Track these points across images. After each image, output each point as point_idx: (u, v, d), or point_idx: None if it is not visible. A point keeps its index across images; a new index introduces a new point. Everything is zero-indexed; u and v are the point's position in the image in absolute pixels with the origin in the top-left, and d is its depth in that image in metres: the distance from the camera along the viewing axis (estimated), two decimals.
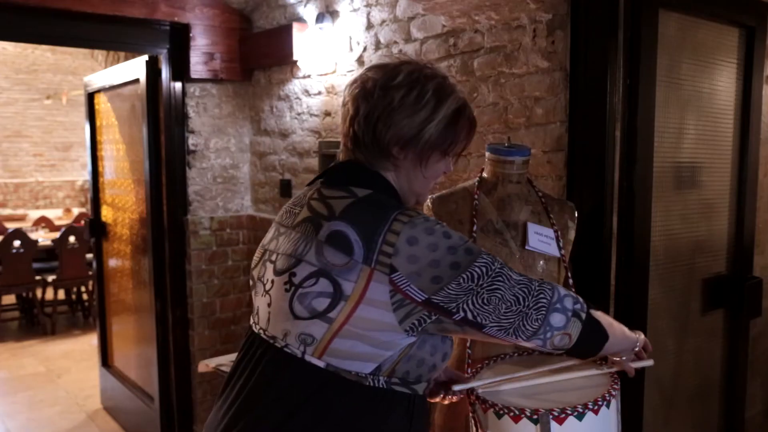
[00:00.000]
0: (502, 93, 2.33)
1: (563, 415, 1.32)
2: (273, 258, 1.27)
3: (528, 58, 2.22)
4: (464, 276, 1.15)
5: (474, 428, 1.50)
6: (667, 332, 2.37)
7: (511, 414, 1.35)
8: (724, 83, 2.46)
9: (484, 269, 1.16)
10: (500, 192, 1.88)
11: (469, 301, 1.16)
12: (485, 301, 1.16)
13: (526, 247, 1.81)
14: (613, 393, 1.40)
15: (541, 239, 1.82)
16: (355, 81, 1.30)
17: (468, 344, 1.75)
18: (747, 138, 2.54)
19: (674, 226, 2.32)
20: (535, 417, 1.33)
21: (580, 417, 1.32)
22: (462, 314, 1.17)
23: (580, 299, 1.26)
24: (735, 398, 2.66)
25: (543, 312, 1.19)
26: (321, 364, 1.16)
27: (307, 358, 1.17)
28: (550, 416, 1.32)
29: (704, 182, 2.45)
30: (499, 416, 1.37)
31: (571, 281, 1.82)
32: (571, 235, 1.94)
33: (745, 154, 2.54)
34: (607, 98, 2.01)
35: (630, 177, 2.05)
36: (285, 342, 1.20)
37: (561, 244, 1.85)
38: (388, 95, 1.24)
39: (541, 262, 1.83)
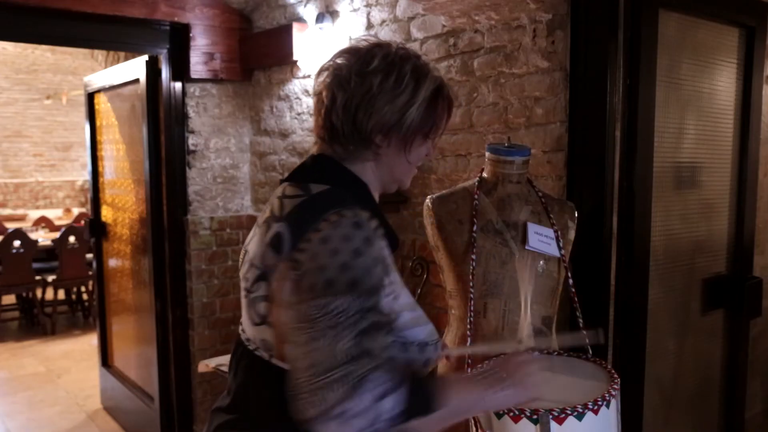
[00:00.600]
0: (502, 93, 2.33)
1: (563, 415, 1.32)
2: (248, 258, 1.27)
3: (528, 58, 2.22)
4: (322, 301, 1.05)
5: (474, 428, 1.50)
6: (667, 332, 2.37)
7: (511, 414, 1.35)
8: (724, 83, 2.46)
9: (338, 310, 1.04)
10: (500, 192, 1.88)
11: (298, 332, 1.06)
12: (304, 340, 1.05)
13: (526, 247, 1.81)
14: (613, 393, 1.40)
15: (541, 239, 1.82)
16: (325, 69, 1.23)
17: (468, 344, 1.75)
18: (747, 138, 2.54)
19: (674, 226, 2.32)
20: (535, 417, 1.33)
21: (579, 417, 1.32)
22: (289, 345, 1.08)
23: (387, 415, 1.04)
24: (735, 398, 2.66)
25: (321, 405, 1.01)
26: (287, 366, 1.12)
27: (274, 361, 1.16)
28: (550, 416, 1.32)
29: (704, 182, 2.45)
30: (499, 416, 1.37)
31: (571, 281, 1.82)
32: (571, 235, 1.94)
33: (745, 154, 2.54)
34: (607, 98, 2.00)
35: (630, 177, 2.05)
36: (255, 345, 1.21)
37: (561, 244, 1.85)
38: (366, 81, 1.17)
39: (541, 262, 1.83)
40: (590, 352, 1.74)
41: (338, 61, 1.22)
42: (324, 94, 1.21)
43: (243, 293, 1.24)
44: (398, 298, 1.16)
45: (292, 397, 1.04)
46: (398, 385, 1.04)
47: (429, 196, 1.93)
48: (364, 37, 1.27)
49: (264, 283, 1.17)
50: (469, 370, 1.68)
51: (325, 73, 1.22)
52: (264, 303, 1.17)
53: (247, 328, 1.23)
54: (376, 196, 1.29)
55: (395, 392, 1.03)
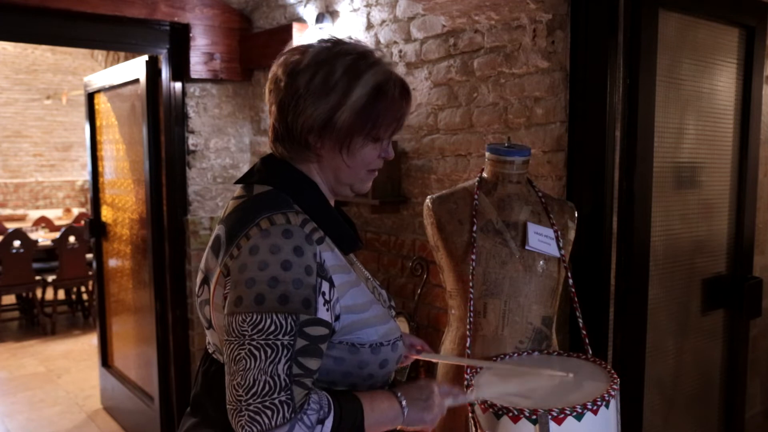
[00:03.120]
0: (502, 93, 2.33)
1: (562, 416, 1.32)
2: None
3: (528, 58, 2.22)
4: (255, 317, 1.02)
5: (473, 428, 1.50)
6: (667, 332, 2.37)
7: (510, 414, 1.35)
8: (724, 83, 2.46)
9: (272, 327, 1.02)
10: (500, 192, 1.88)
11: (230, 347, 1.04)
12: (237, 357, 1.02)
13: (526, 247, 1.81)
14: (612, 393, 1.40)
15: (541, 239, 1.82)
16: (271, 71, 1.20)
17: (468, 345, 1.75)
18: (747, 138, 2.54)
19: (674, 226, 2.32)
20: (534, 417, 1.32)
21: (579, 417, 1.32)
22: (225, 357, 1.06)
23: None
24: (735, 398, 2.66)
25: (256, 427, 1.00)
26: None
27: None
28: (549, 416, 1.32)
29: (704, 182, 2.45)
30: (498, 416, 1.37)
31: (571, 281, 1.82)
32: (571, 235, 1.94)
33: (745, 154, 2.54)
34: (607, 98, 2.00)
35: (630, 177, 2.05)
36: (212, 348, 1.23)
37: (561, 244, 1.85)
38: (295, 81, 1.13)
39: (541, 262, 1.83)
40: (590, 351, 1.74)
41: (279, 60, 1.19)
42: (267, 95, 1.20)
43: None
44: (344, 299, 1.13)
45: (231, 411, 1.03)
46: (331, 409, 1.05)
47: (429, 196, 1.93)
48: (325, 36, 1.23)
49: (206, 286, 1.17)
50: (468, 369, 1.68)
51: (270, 75, 1.20)
52: (207, 307, 1.17)
53: (205, 332, 1.25)
54: (330, 197, 1.24)
55: (329, 416, 1.04)
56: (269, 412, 1.00)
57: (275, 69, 1.18)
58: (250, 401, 1.00)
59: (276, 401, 1.00)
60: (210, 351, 1.24)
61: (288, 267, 1.04)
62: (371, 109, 1.14)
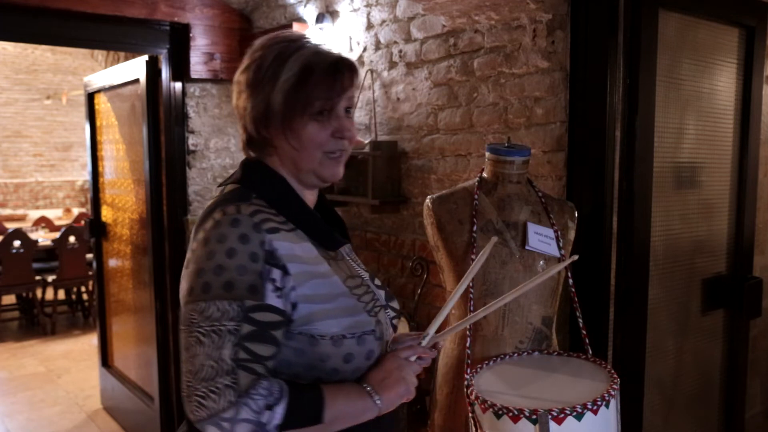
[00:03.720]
0: (502, 93, 2.33)
1: (562, 415, 1.32)
2: None
3: (528, 58, 2.22)
4: (202, 305, 1.06)
5: (473, 428, 1.50)
6: (667, 332, 2.37)
7: (510, 414, 1.35)
8: (724, 83, 2.46)
9: (218, 314, 1.05)
10: (500, 192, 1.88)
11: (182, 336, 1.08)
12: (187, 344, 1.06)
13: (526, 247, 1.81)
14: (612, 393, 1.40)
15: (541, 239, 1.82)
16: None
17: (468, 344, 1.75)
18: (747, 138, 2.54)
19: (674, 226, 2.32)
20: (534, 417, 1.32)
21: (579, 417, 1.32)
22: (181, 345, 1.09)
23: (270, 425, 1.04)
24: (735, 398, 2.66)
25: (203, 411, 1.03)
26: None
27: None
28: (549, 416, 1.32)
29: (704, 182, 2.45)
30: (498, 416, 1.37)
31: (571, 281, 1.82)
32: (571, 235, 1.94)
33: (745, 154, 2.54)
34: (607, 98, 2.00)
35: (630, 177, 2.05)
36: None
37: (561, 244, 1.85)
38: (240, 83, 1.20)
39: (541, 262, 1.83)
40: (590, 351, 1.74)
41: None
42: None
43: None
44: (302, 288, 1.13)
45: (183, 398, 1.06)
46: (283, 395, 1.06)
47: (429, 196, 1.93)
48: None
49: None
50: (468, 369, 1.68)
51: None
52: None
53: None
54: (305, 191, 1.25)
55: (280, 402, 1.05)
56: (215, 396, 1.02)
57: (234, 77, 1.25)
58: (198, 386, 1.03)
59: (220, 385, 1.03)
60: None
61: (232, 254, 1.07)
62: (300, 88, 1.16)
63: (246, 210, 1.12)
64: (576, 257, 1.35)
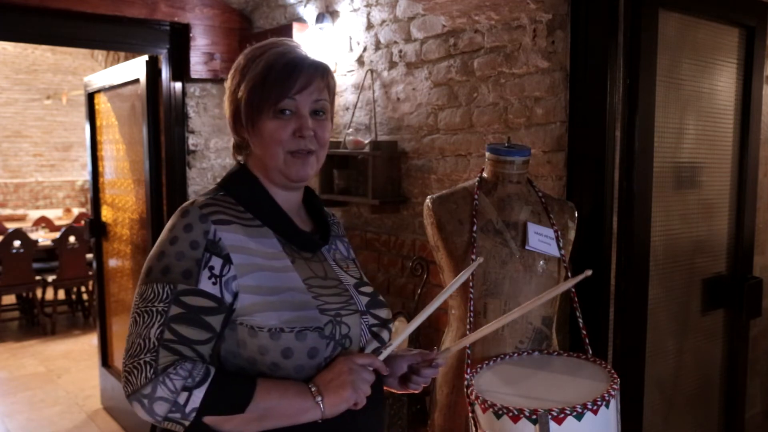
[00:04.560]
0: (502, 93, 2.33)
1: (562, 415, 1.32)
2: None
3: (528, 58, 2.22)
4: (142, 288, 1.14)
5: (473, 428, 1.50)
6: (667, 332, 2.37)
7: (510, 414, 1.35)
8: (724, 83, 2.46)
9: (152, 295, 1.11)
10: (500, 192, 1.88)
11: (130, 317, 1.15)
12: (129, 325, 1.14)
13: (526, 247, 1.81)
14: (613, 393, 1.40)
15: (541, 239, 1.82)
16: None
17: (467, 344, 1.75)
18: (747, 138, 2.54)
19: (674, 226, 2.32)
20: (534, 417, 1.32)
21: (579, 417, 1.32)
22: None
23: (187, 407, 1.06)
24: (735, 398, 2.66)
25: (129, 387, 1.08)
26: None
27: None
28: (549, 416, 1.32)
29: (704, 182, 2.45)
30: (498, 416, 1.37)
31: None
32: (571, 235, 1.94)
33: (745, 154, 2.54)
34: (607, 98, 2.00)
35: (630, 177, 2.05)
36: None
37: (561, 244, 1.85)
38: (226, 89, 1.29)
39: (541, 262, 1.83)
40: (590, 351, 1.74)
41: None
42: None
43: None
44: (245, 278, 1.14)
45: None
46: (205, 380, 1.08)
47: (429, 196, 1.93)
48: None
49: None
50: (468, 369, 1.68)
51: None
52: None
53: None
54: (275, 191, 1.26)
55: (200, 386, 1.07)
56: (136, 372, 1.07)
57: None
58: (127, 362, 1.10)
59: (141, 361, 1.08)
60: None
61: (174, 241, 1.14)
62: (262, 86, 1.21)
63: (198, 202, 1.19)
64: (589, 272, 1.32)
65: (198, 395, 1.06)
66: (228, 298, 1.14)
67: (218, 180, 1.32)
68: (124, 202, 4.02)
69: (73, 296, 6.89)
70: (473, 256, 1.77)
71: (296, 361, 1.14)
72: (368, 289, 1.32)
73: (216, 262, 1.13)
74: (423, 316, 1.31)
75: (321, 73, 1.25)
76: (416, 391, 1.36)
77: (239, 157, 1.30)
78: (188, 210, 1.17)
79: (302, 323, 1.15)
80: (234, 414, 1.09)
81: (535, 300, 1.35)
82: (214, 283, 1.13)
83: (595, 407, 1.34)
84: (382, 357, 1.23)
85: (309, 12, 3.14)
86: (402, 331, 1.29)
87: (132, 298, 1.18)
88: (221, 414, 1.09)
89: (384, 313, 1.30)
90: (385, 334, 1.29)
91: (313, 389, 1.13)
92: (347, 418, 1.16)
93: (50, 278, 6.31)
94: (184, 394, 1.06)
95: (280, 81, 1.20)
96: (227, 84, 1.27)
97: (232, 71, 1.26)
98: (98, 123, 4.32)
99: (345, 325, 1.19)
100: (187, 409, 1.06)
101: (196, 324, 1.11)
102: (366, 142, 2.78)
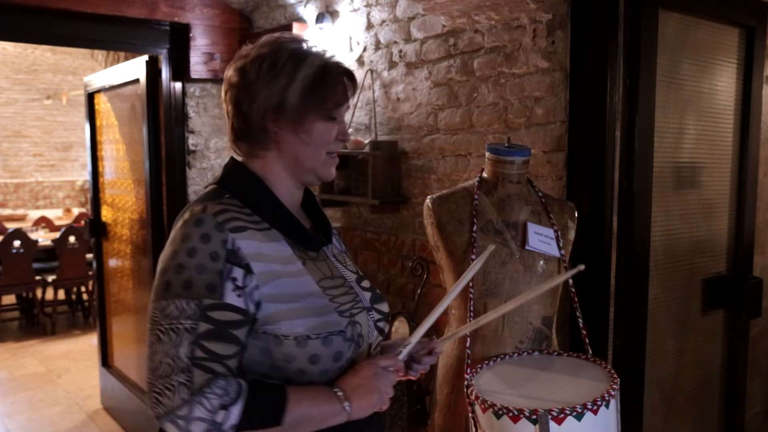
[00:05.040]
0: (502, 93, 2.33)
1: (562, 415, 1.32)
2: None
3: (528, 58, 2.22)
4: (163, 303, 1.08)
5: (473, 428, 1.50)
6: (667, 332, 2.37)
7: (510, 414, 1.35)
8: (724, 83, 2.46)
9: (176, 312, 1.07)
10: (500, 192, 1.88)
11: (147, 334, 1.10)
12: (150, 342, 1.09)
13: (526, 247, 1.81)
14: (612, 393, 1.40)
15: (541, 239, 1.82)
16: (224, 78, 1.26)
17: (467, 344, 1.75)
18: (747, 138, 2.54)
19: (674, 226, 2.32)
20: (534, 417, 1.32)
21: (579, 417, 1.32)
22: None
23: (225, 425, 1.04)
24: (735, 398, 2.66)
25: (161, 408, 1.04)
26: None
27: None
28: (549, 416, 1.32)
29: (704, 182, 2.45)
30: (498, 416, 1.37)
31: (571, 281, 1.82)
32: (571, 235, 1.94)
33: (745, 154, 2.54)
34: (607, 98, 2.00)
35: (630, 177, 2.05)
36: None
37: (561, 244, 1.85)
38: (246, 74, 1.20)
39: (541, 262, 1.83)
40: (590, 351, 1.74)
41: (230, 66, 1.25)
42: (225, 101, 1.25)
43: None
44: (266, 287, 1.13)
45: (146, 394, 1.08)
46: (240, 396, 1.06)
47: (429, 196, 1.93)
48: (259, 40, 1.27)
49: None
50: (468, 369, 1.68)
51: (224, 82, 1.26)
52: None
53: None
54: (290, 190, 1.26)
55: (236, 403, 1.05)
56: (170, 393, 1.04)
57: (227, 73, 1.24)
58: (156, 383, 1.05)
59: (175, 382, 1.04)
60: None
61: (193, 253, 1.09)
62: (318, 87, 1.19)
63: (212, 209, 1.13)
64: (582, 267, 1.33)
65: (235, 412, 1.04)
66: (251, 308, 1.11)
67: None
68: (124, 202, 4.02)
69: (73, 296, 6.89)
70: (473, 256, 1.77)
71: (322, 366, 1.15)
72: (367, 284, 1.34)
73: (238, 273, 1.10)
74: (440, 309, 1.32)
75: (356, 83, 1.29)
76: (414, 378, 1.36)
77: (242, 147, 1.25)
78: (202, 219, 1.12)
79: (327, 329, 1.16)
80: (271, 426, 1.08)
81: (530, 292, 1.35)
82: (239, 295, 1.10)
83: (595, 407, 1.34)
84: (402, 357, 1.25)
85: (309, 12, 3.14)
86: (421, 327, 1.30)
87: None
88: (259, 428, 1.08)
89: (385, 307, 1.33)
90: (386, 328, 1.31)
91: (340, 394, 1.13)
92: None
93: (50, 278, 6.31)
94: (222, 413, 1.04)
95: (339, 86, 1.22)
96: (254, 70, 1.19)
97: (267, 59, 1.19)
98: (98, 123, 4.32)
99: (358, 324, 1.21)
100: (225, 427, 1.04)
101: (226, 339, 1.08)
102: (366, 142, 2.78)
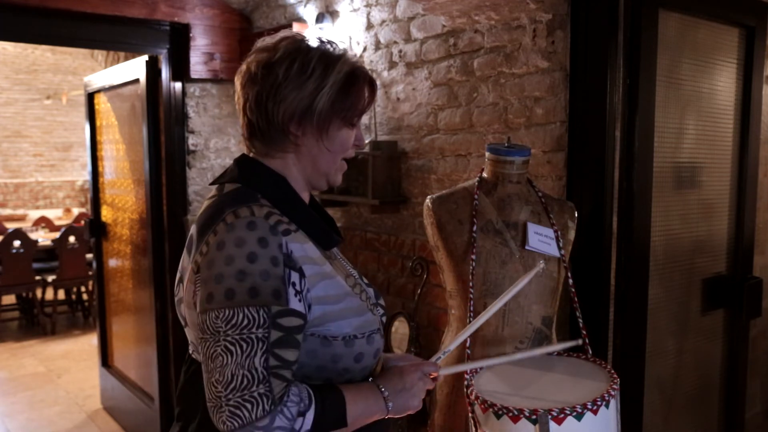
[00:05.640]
0: (502, 93, 2.33)
1: (562, 415, 1.32)
2: None
3: (528, 58, 2.22)
4: (227, 312, 1.03)
5: (473, 428, 1.50)
6: (667, 332, 2.37)
7: (510, 414, 1.35)
8: (724, 83, 2.46)
9: (245, 321, 1.03)
10: (500, 192, 1.88)
11: (206, 344, 1.05)
12: (214, 353, 1.03)
13: (526, 247, 1.81)
14: (612, 393, 1.40)
15: (541, 239, 1.82)
16: (240, 70, 1.22)
17: (468, 344, 1.75)
18: (747, 138, 2.54)
19: (674, 226, 2.32)
20: (534, 417, 1.32)
21: (578, 417, 1.32)
22: (201, 355, 1.06)
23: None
24: (735, 398, 2.66)
25: (237, 421, 1.01)
26: None
27: None
28: (549, 416, 1.32)
29: (704, 182, 2.45)
30: (498, 416, 1.37)
31: (571, 281, 1.82)
32: (571, 235, 1.94)
33: (745, 154, 2.54)
34: (607, 98, 2.00)
35: (630, 177, 2.05)
36: (192, 347, 1.24)
37: (561, 244, 1.85)
38: (273, 72, 1.16)
39: (541, 262, 1.83)
40: (590, 351, 1.74)
41: (249, 58, 1.21)
42: (240, 93, 1.21)
43: None
44: (315, 290, 1.13)
45: (212, 409, 1.03)
46: (312, 401, 1.06)
47: (429, 196, 1.93)
48: (278, 34, 1.23)
49: (181, 285, 1.19)
50: (468, 369, 1.68)
51: (240, 74, 1.21)
52: (182, 305, 1.19)
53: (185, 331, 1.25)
54: (303, 192, 1.25)
55: (310, 408, 1.05)
56: (249, 405, 1.00)
57: (247, 64, 1.20)
58: (230, 396, 1.01)
59: (255, 394, 1.01)
60: (190, 350, 1.25)
61: (254, 259, 1.05)
62: (347, 93, 1.18)
63: (260, 212, 1.10)
64: (542, 264, 1.39)
65: (310, 417, 1.05)
66: (306, 311, 1.11)
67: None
68: (124, 202, 4.02)
69: (73, 296, 6.89)
70: (473, 256, 1.77)
71: (365, 363, 1.18)
72: (366, 280, 1.36)
73: (295, 277, 1.09)
74: (484, 317, 1.36)
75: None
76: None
77: (257, 146, 1.21)
78: (254, 222, 1.08)
79: (368, 327, 1.19)
80: (337, 428, 1.10)
81: (508, 293, 1.41)
82: (300, 300, 1.09)
83: (595, 407, 1.34)
84: (438, 362, 1.31)
85: (309, 12, 3.14)
86: (461, 335, 1.36)
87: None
88: (328, 430, 1.09)
89: (383, 301, 1.36)
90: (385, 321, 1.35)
91: (386, 394, 1.16)
92: None
93: (50, 278, 6.31)
94: (300, 420, 1.04)
95: (364, 93, 1.21)
96: (281, 71, 1.15)
97: (298, 61, 1.15)
98: (98, 123, 4.32)
99: (380, 321, 1.26)
100: (305, 430, 1.04)
101: (293, 344, 1.07)
102: (366, 142, 2.78)
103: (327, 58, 1.17)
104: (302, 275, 1.10)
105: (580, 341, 1.44)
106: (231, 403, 1.01)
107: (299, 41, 1.19)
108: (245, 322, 1.03)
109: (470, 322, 1.76)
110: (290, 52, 1.16)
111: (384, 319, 1.32)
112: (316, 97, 1.16)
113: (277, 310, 1.05)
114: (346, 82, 1.18)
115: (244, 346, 1.02)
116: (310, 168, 1.22)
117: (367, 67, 2.87)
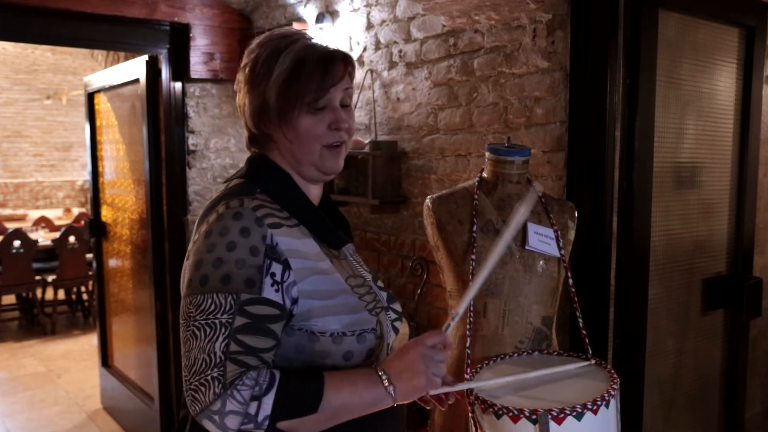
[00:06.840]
0: (502, 93, 2.33)
1: (562, 415, 1.32)
2: None
3: (528, 58, 2.22)
4: (199, 298, 1.07)
5: (473, 428, 1.50)
6: (667, 332, 2.37)
7: (510, 414, 1.35)
8: (724, 83, 2.46)
9: (212, 307, 1.06)
10: (500, 192, 1.88)
11: (181, 329, 1.09)
12: (185, 338, 1.07)
13: (526, 247, 1.81)
14: (613, 393, 1.40)
15: (541, 239, 1.82)
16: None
17: (467, 344, 1.75)
18: (747, 138, 2.54)
19: (674, 226, 2.32)
20: (534, 417, 1.32)
21: (579, 417, 1.32)
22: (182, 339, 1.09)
23: (259, 416, 1.03)
24: (735, 398, 2.66)
25: (197, 405, 1.04)
26: None
27: None
28: (549, 416, 1.32)
29: (704, 182, 2.45)
30: (498, 416, 1.37)
31: (571, 281, 1.82)
32: (571, 235, 1.94)
33: (745, 154, 2.54)
34: (607, 98, 2.00)
35: (630, 177, 2.05)
36: None
37: (561, 244, 1.85)
38: (240, 80, 1.22)
39: (541, 262, 1.83)
40: (590, 351, 1.74)
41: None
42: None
43: None
44: (303, 283, 1.13)
45: (184, 393, 1.07)
46: (271, 386, 1.05)
47: (429, 196, 1.93)
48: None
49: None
50: (468, 369, 1.68)
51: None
52: None
53: None
54: (308, 187, 1.25)
55: (268, 393, 1.04)
56: (203, 389, 1.03)
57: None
58: (191, 380, 1.05)
59: (209, 377, 1.03)
60: None
61: (232, 247, 1.08)
62: (292, 82, 1.17)
63: (249, 204, 1.13)
64: (539, 186, 1.37)
65: (267, 402, 1.03)
66: (288, 304, 1.11)
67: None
68: (124, 202, 4.02)
69: (73, 296, 6.89)
70: (473, 256, 1.77)
71: (355, 363, 1.16)
72: (381, 284, 1.35)
73: (276, 269, 1.10)
74: (484, 273, 1.34)
75: (350, 63, 1.24)
76: (443, 409, 1.37)
77: (255, 150, 1.26)
78: (240, 212, 1.11)
79: (360, 326, 1.17)
80: (307, 415, 1.07)
81: (484, 268, 1.35)
82: (277, 291, 1.09)
83: (595, 407, 1.34)
84: (448, 331, 1.24)
85: (309, 12, 3.14)
86: (467, 296, 1.33)
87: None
88: (294, 417, 1.06)
89: (398, 306, 1.35)
90: (400, 328, 1.33)
91: (384, 378, 1.12)
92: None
93: (50, 278, 6.31)
94: (254, 404, 1.03)
95: (315, 76, 1.17)
96: (243, 77, 1.21)
97: (249, 63, 1.20)
98: (98, 123, 4.32)
99: (382, 323, 1.23)
100: (260, 418, 1.03)
101: (262, 333, 1.07)
102: (366, 142, 2.78)
103: (274, 51, 1.18)
104: (287, 267, 1.11)
105: (593, 361, 1.41)
106: (192, 387, 1.04)
107: (258, 43, 1.22)
108: (212, 307, 1.06)
109: (470, 321, 1.76)
110: (250, 57, 1.21)
111: (397, 324, 1.30)
112: (265, 93, 1.18)
113: (247, 298, 1.07)
114: (293, 70, 1.16)
115: (208, 330, 1.05)
116: (293, 161, 1.22)
117: (367, 67, 2.88)
